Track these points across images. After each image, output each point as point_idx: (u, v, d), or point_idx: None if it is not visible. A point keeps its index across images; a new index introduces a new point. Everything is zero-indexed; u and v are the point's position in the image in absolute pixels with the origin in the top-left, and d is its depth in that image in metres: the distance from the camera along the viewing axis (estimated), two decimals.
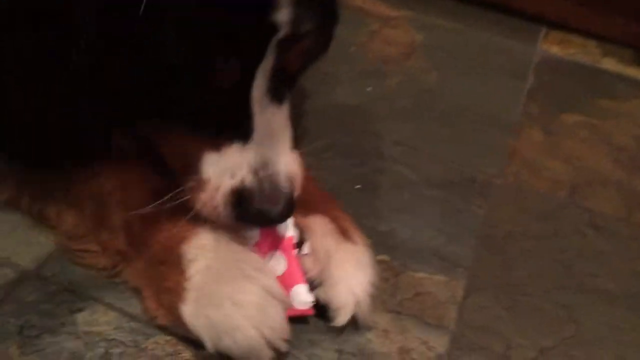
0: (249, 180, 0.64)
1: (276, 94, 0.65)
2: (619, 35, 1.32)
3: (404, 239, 0.82)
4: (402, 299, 0.74)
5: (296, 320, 0.66)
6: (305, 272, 0.69)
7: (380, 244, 0.77)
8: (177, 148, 0.67)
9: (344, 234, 0.72)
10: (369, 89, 1.08)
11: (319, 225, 0.72)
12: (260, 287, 0.63)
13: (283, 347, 0.62)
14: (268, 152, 0.65)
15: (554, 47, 1.30)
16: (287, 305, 0.64)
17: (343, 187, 0.86)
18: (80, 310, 0.67)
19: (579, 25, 1.34)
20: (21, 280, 0.69)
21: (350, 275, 0.69)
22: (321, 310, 0.68)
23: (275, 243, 0.69)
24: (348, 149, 0.94)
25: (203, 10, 0.57)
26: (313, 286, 0.69)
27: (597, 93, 1.17)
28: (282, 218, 0.67)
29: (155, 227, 0.67)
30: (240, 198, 0.65)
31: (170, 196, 0.66)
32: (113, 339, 0.65)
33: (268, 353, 0.61)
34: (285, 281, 0.67)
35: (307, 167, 0.73)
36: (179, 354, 0.65)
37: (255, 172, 0.64)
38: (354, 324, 0.68)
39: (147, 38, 0.58)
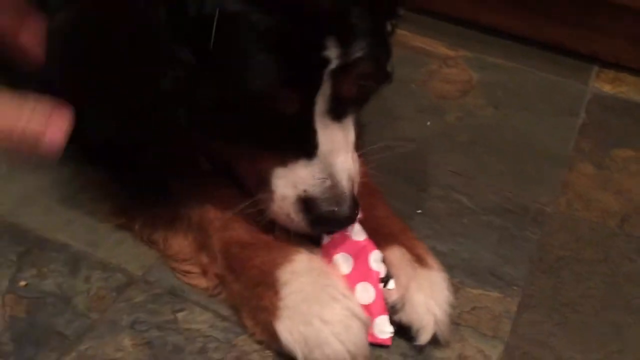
0: (313, 189, 0.74)
1: (337, 115, 0.75)
2: None
3: (462, 259, 0.90)
4: (461, 312, 0.82)
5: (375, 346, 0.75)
6: (387, 305, 0.77)
7: (440, 263, 0.85)
8: (250, 167, 0.78)
9: (420, 260, 0.80)
10: (428, 123, 1.17)
11: (397, 256, 0.80)
12: (346, 308, 0.71)
13: None
14: (331, 165, 0.75)
15: (606, 85, 1.36)
16: (367, 326, 0.73)
17: (406, 212, 0.95)
18: (180, 310, 0.78)
19: (631, 64, 1.41)
20: (130, 284, 0.81)
21: (428, 298, 0.76)
22: (405, 331, 0.76)
23: (364, 275, 0.77)
24: (410, 177, 1.04)
25: (268, 49, 0.67)
26: (395, 310, 0.76)
27: None
28: (349, 218, 0.75)
29: (252, 253, 0.76)
30: (307, 205, 0.74)
31: (247, 205, 0.76)
32: (209, 335, 0.76)
33: None
34: (371, 310, 0.75)
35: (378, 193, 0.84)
36: (265, 350, 0.75)
37: (321, 183, 0.74)
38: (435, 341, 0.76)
39: (228, 73, 0.69)
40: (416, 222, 0.94)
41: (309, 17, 0.67)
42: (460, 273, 0.87)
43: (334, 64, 0.70)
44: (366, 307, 0.74)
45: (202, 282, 0.80)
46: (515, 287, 0.87)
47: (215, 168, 0.85)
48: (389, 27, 0.86)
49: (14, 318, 0.75)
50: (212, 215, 0.80)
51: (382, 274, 0.77)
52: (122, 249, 0.85)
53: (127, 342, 0.74)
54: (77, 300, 0.78)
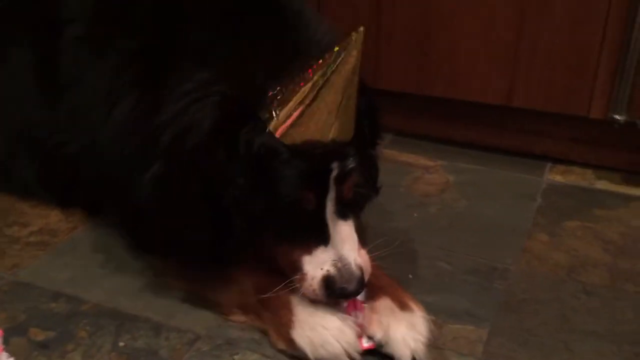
0: (332, 270, 1.04)
1: (342, 214, 1.07)
2: (609, 163, 1.72)
3: (445, 305, 1.18)
4: (445, 341, 1.10)
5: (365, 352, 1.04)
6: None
7: (427, 309, 1.13)
8: (288, 256, 1.09)
9: (403, 306, 1.09)
10: (415, 215, 1.50)
11: (382, 304, 1.08)
12: (339, 318, 1.03)
13: (357, 356, 1.00)
14: (342, 251, 1.05)
15: (557, 176, 1.70)
16: (357, 332, 1.03)
17: (400, 276, 1.24)
18: (236, 353, 1.07)
19: (576, 158, 1.75)
20: (198, 339, 1.10)
21: (406, 334, 1.04)
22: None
23: (356, 306, 1.08)
24: (403, 253, 1.34)
25: (293, 169, 1.02)
26: (380, 345, 1.04)
27: (592, 205, 1.54)
28: (357, 293, 1.06)
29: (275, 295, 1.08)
30: (327, 283, 1.04)
31: (285, 284, 1.08)
32: None
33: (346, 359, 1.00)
34: (362, 328, 1.06)
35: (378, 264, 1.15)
36: None
37: (335, 264, 1.04)
38: None
39: (269, 187, 1.04)
40: (408, 283, 1.24)
41: (320, 153, 1.03)
42: (443, 315, 1.15)
43: (335, 172, 1.04)
44: (358, 326, 1.05)
45: (243, 318, 1.12)
46: (486, 322, 1.15)
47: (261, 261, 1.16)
48: (373, 152, 1.24)
49: None
50: (249, 272, 1.13)
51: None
52: (191, 316, 1.15)
53: None
54: (161, 352, 1.07)
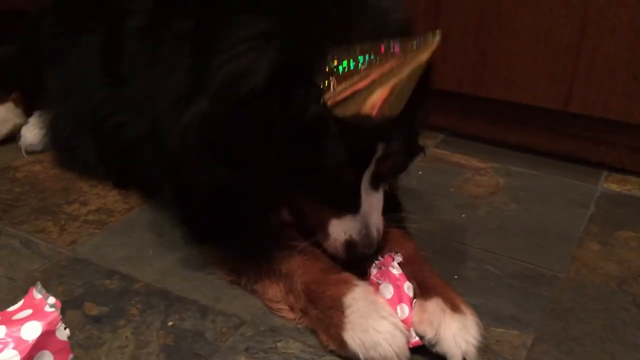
0: (355, 236, 1.12)
1: (375, 186, 1.14)
2: None
3: (489, 308, 1.18)
4: (488, 344, 1.09)
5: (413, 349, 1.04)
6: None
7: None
8: (316, 216, 1.15)
9: (455, 308, 1.08)
10: (463, 216, 1.49)
11: (433, 304, 1.08)
12: (391, 322, 1.03)
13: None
14: (368, 220, 1.13)
15: (613, 185, 1.66)
16: (408, 336, 1.03)
17: (446, 277, 1.23)
18: (279, 341, 1.09)
19: (634, 168, 1.71)
20: (243, 324, 1.13)
21: (456, 334, 1.04)
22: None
23: (401, 299, 1.08)
24: (450, 254, 1.34)
25: (340, 142, 1.03)
26: (431, 345, 1.04)
27: None
28: (372, 256, 1.13)
29: (325, 288, 1.09)
30: (349, 246, 1.13)
31: (311, 241, 1.15)
32: (300, 357, 1.06)
33: None
34: (407, 323, 1.06)
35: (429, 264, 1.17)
36: None
37: (359, 231, 1.12)
38: None
39: (314, 154, 1.05)
40: (453, 284, 1.23)
41: (367, 132, 1.04)
42: (487, 318, 1.14)
43: (379, 154, 1.08)
44: (403, 321, 1.05)
45: (290, 315, 1.13)
46: (530, 327, 1.13)
47: (294, 219, 1.20)
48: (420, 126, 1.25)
49: (165, 345, 1.08)
50: (296, 266, 1.14)
51: (414, 299, 1.08)
52: (237, 301, 1.18)
53: (243, 359, 1.05)
54: (207, 334, 1.10)
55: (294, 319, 1.12)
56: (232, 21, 1.10)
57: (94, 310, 1.15)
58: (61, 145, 1.60)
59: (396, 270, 1.09)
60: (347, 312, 1.04)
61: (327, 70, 1.00)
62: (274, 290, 1.16)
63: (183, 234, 1.31)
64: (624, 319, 1.17)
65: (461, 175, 1.69)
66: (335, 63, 0.99)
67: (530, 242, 1.40)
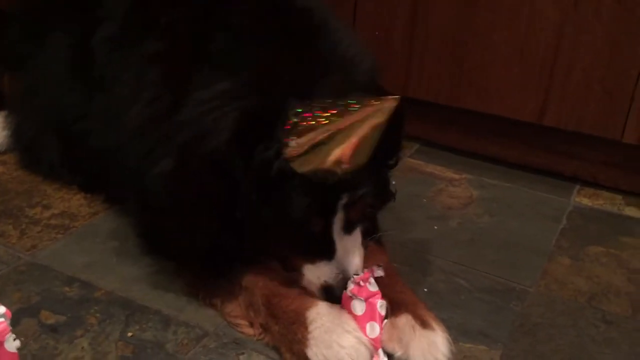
0: (331, 280, 1.07)
1: (348, 230, 1.09)
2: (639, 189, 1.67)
3: (458, 323, 1.16)
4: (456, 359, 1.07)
5: None
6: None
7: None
8: (289, 261, 1.11)
9: (424, 324, 1.06)
10: (435, 227, 1.48)
11: (403, 321, 1.07)
12: (356, 337, 1.00)
13: None
14: (344, 265, 1.08)
15: (585, 199, 1.66)
16: (372, 351, 1.00)
17: (417, 290, 1.22)
18: (242, 354, 1.06)
19: (606, 183, 1.71)
20: (205, 336, 1.09)
21: (425, 352, 1.03)
22: None
23: (372, 317, 1.05)
24: (420, 266, 1.32)
25: (305, 195, 1.01)
26: None
27: (619, 232, 1.50)
28: None
29: (288, 302, 1.06)
30: (326, 289, 1.08)
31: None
32: None
33: None
34: (376, 342, 1.03)
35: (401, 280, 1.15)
36: None
37: (335, 277, 1.07)
38: None
39: (280, 206, 1.03)
40: (423, 296, 1.21)
41: (330, 184, 1.01)
42: (455, 332, 1.12)
43: (344, 201, 1.05)
44: (373, 340, 1.01)
45: (250, 331, 1.09)
46: (499, 343, 1.12)
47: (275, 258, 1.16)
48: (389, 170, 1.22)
49: (123, 357, 1.04)
50: (256, 279, 1.11)
51: (385, 318, 1.06)
52: (201, 312, 1.15)
53: None
54: (168, 346, 1.07)
55: (254, 335, 1.09)
56: (199, 72, 1.10)
57: (50, 319, 1.11)
58: (26, 147, 1.56)
59: (372, 287, 1.06)
60: (311, 327, 1.02)
61: (288, 126, 0.99)
62: (233, 305, 1.12)
63: (140, 246, 1.27)
64: (593, 336, 1.16)
65: (435, 186, 1.67)
66: (296, 120, 0.98)
67: (501, 255, 1.39)
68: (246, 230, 1.07)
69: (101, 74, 1.31)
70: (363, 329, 1.04)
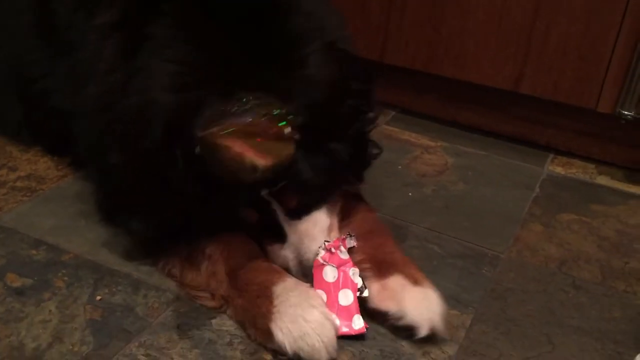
0: (290, 265, 1.07)
1: (295, 216, 1.06)
2: (612, 159, 1.68)
3: None
4: None
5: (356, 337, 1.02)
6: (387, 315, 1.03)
7: None
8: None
9: (416, 282, 1.06)
10: (410, 194, 1.47)
11: (395, 281, 1.06)
12: (321, 312, 0.98)
13: (333, 352, 0.96)
14: (299, 250, 1.06)
15: (558, 168, 1.67)
16: (337, 326, 1.00)
17: None
18: (214, 317, 1.05)
19: (579, 152, 1.72)
20: (177, 300, 1.08)
21: (421, 306, 1.02)
22: (408, 331, 1.02)
23: (346, 284, 1.05)
24: (393, 233, 1.31)
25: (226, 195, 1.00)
26: (397, 319, 1.02)
27: (591, 200, 1.52)
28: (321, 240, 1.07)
29: (253, 274, 1.04)
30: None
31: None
32: (234, 334, 1.02)
33: (325, 353, 0.95)
34: (350, 310, 1.03)
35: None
36: None
37: (293, 260, 1.07)
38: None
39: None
40: None
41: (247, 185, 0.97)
42: None
43: (264, 192, 1.03)
44: (346, 308, 1.02)
45: (211, 303, 1.05)
46: (470, 307, 1.13)
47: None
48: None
49: (91, 320, 1.02)
50: (222, 247, 1.08)
51: (359, 285, 1.05)
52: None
53: (175, 336, 1.01)
54: (138, 309, 1.05)
55: (216, 307, 1.06)
56: (145, 50, 1.04)
57: (16, 281, 1.08)
58: None
59: (343, 255, 1.06)
60: (276, 302, 0.99)
61: (206, 120, 0.93)
62: (193, 274, 1.09)
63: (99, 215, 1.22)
64: (563, 301, 1.17)
65: (410, 153, 1.67)
66: (212, 115, 0.93)
67: (474, 222, 1.39)
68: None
69: (63, 33, 1.26)
70: (336, 297, 1.03)
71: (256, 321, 1.00)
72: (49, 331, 0.99)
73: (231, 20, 1.02)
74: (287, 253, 1.07)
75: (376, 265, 1.09)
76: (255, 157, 0.92)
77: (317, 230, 1.08)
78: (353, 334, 1.01)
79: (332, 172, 1.06)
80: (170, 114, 0.98)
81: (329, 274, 1.04)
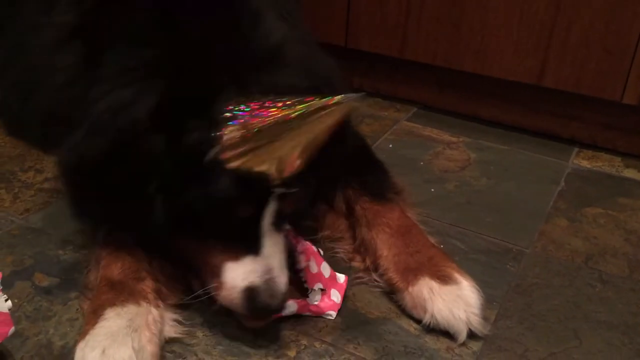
0: (257, 282, 0.95)
1: (277, 226, 0.98)
2: (639, 151, 1.66)
3: None
4: None
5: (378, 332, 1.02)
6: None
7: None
8: (209, 259, 0.98)
9: (445, 280, 1.04)
10: (432, 190, 1.46)
11: (420, 287, 1.05)
12: (135, 351, 0.89)
13: None
14: (273, 263, 0.97)
15: (584, 161, 1.64)
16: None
17: None
18: None
19: (605, 144, 1.69)
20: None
21: (452, 308, 1.01)
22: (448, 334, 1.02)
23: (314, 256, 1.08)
24: None
25: (236, 182, 0.90)
26: (431, 327, 1.02)
27: (617, 194, 1.49)
28: (278, 311, 0.98)
29: (108, 291, 0.97)
30: (250, 295, 0.95)
31: (202, 292, 0.99)
32: (258, 331, 1.03)
33: None
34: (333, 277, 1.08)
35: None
36: None
37: (263, 276, 0.95)
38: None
39: (207, 189, 0.91)
40: None
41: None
42: None
43: (277, 194, 0.95)
44: (328, 279, 1.07)
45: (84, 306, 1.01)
46: (494, 302, 1.12)
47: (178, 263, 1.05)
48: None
49: None
50: (104, 254, 1.03)
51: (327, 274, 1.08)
52: None
53: (199, 333, 1.02)
54: None
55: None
56: (116, 46, 0.98)
57: (44, 281, 1.10)
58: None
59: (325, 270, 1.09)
60: (99, 324, 0.92)
61: (222, 115, 0.88)
62: (91, 277, 1.05)
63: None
64: (589, 295, 1.16)
65: (432, 149, 1.66)
66: (231, 110, 0.88)
67: (498, 217, 1.38)
68: (157, 212, 0.95)
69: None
70: (326, 279, 1.07)
71: (79, 337, 0.94)
72: (77, 329, 1.00)
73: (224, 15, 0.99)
74: (257, 266, 0.96)
75: (401, 274, 1.08)
76: (284, 164, 0.88)
77: (283, 249, 1.02)
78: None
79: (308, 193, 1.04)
80: (177, 89, 0.92)
81: (313, 267, 1.06)
